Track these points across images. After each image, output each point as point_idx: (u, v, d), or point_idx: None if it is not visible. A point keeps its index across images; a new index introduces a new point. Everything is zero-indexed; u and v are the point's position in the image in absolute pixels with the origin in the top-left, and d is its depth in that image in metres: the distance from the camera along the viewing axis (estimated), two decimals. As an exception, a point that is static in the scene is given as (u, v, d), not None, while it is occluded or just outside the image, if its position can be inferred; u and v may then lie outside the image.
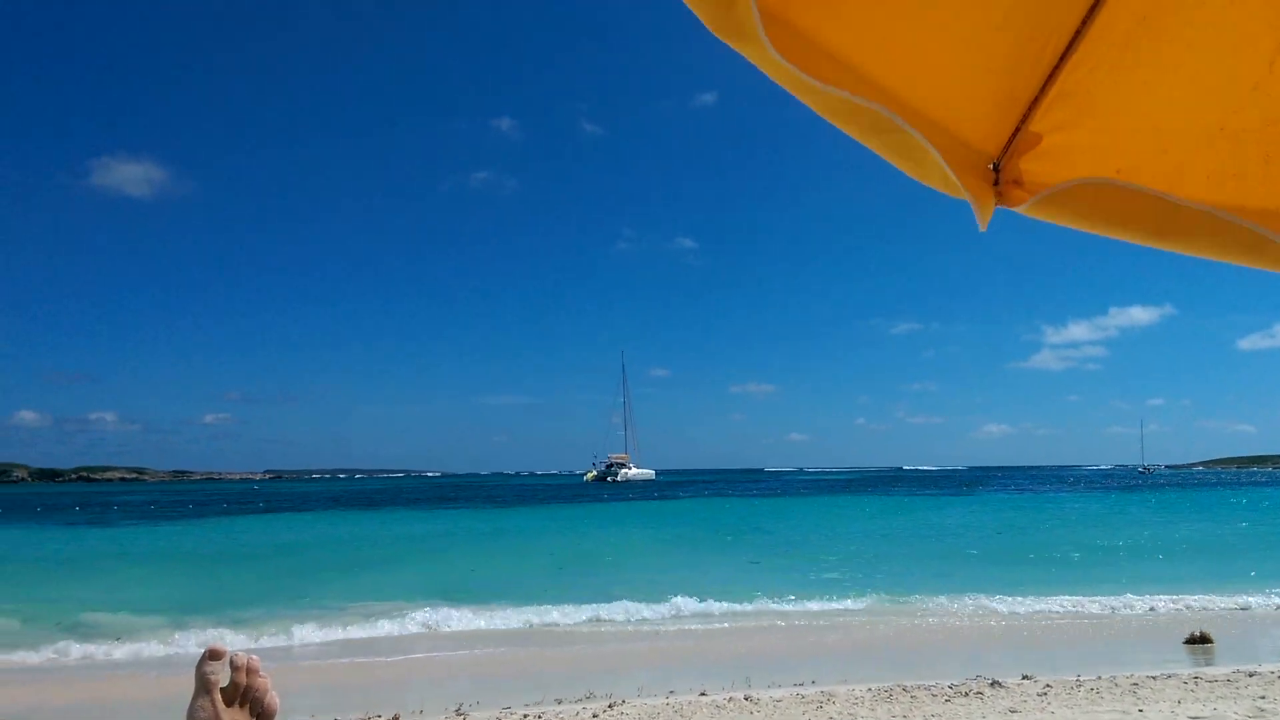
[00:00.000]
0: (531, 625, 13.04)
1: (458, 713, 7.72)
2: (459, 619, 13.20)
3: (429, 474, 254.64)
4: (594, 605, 13.94)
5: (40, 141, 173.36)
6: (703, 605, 14.21)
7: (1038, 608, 14.37)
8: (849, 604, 14.75)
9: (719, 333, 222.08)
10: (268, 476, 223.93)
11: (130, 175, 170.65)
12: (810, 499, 60.67)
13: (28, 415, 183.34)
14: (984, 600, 14.96)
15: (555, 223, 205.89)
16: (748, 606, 14.38)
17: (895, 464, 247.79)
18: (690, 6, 1.08)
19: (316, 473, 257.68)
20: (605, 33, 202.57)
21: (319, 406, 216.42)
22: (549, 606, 13.89)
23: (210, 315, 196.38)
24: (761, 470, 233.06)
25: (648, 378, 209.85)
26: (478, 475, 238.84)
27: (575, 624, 13.11)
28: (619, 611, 13.65)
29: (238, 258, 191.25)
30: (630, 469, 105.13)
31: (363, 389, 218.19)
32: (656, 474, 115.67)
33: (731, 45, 1.15)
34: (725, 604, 14.36)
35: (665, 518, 41.58)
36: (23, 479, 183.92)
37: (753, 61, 1.18)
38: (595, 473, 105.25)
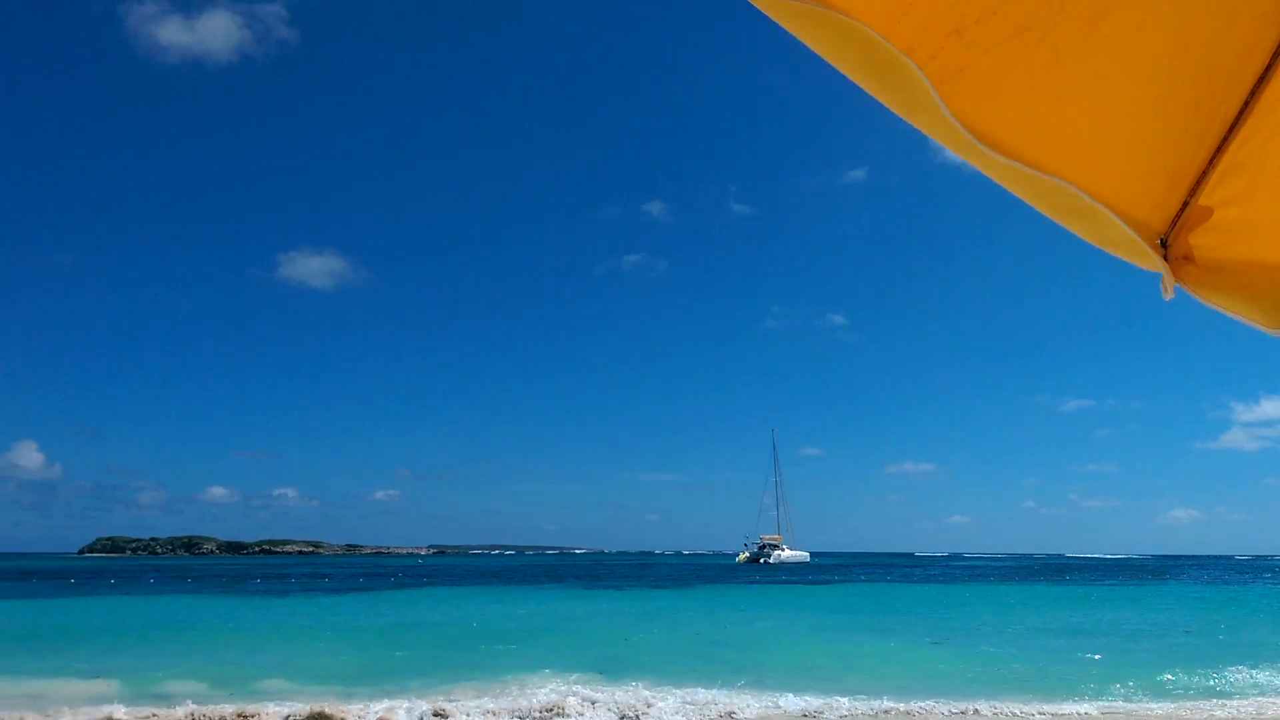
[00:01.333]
0: (690, 706, 12.77)
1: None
2: (616, 696, 13.09)
3: (576, 550, 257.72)
4: (753, 691, 13.57)
5: (235, 239, 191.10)
6: (871, 700, 13.54)
7: (1244, 710, 12.95)
8: (1044, 706, 13.64)
9: (873, 410, 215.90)
10: (431, 551, 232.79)
11: (313, 267, 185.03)
12: (980, 585, 57.17)
13: (218, 491, 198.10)
14: (1199, 702, 13.62)
15: (705, 302, 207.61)
16: (917, 704, 13.59)
17: (1068, 550, 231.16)
18: (864, 87, 1.13)
19: (475, 548, 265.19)
20: (753, 113, 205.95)
21: (480, 484, 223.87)
22: (705, 688, 13.61)
23: (382, 397, 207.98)
24: (911, 554, 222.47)
25: (799, 456, 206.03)
26: (626, 554, 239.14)
27: (735, 707, 12.73)
28: (781, 699, 13.19)
29: (407, 342, 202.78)
30: (784, 551, 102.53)
31: (521, 467, 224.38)
32: (810, 556, 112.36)
33: (907, 120, 1.19)
34: (888, 701, 13.66)
35: (823, 601, 40.19)
36: (212, 551, 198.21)
37: (927, 133, 1.21)
38: (748, 554, 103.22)
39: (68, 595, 45.20)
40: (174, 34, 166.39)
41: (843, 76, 1.15)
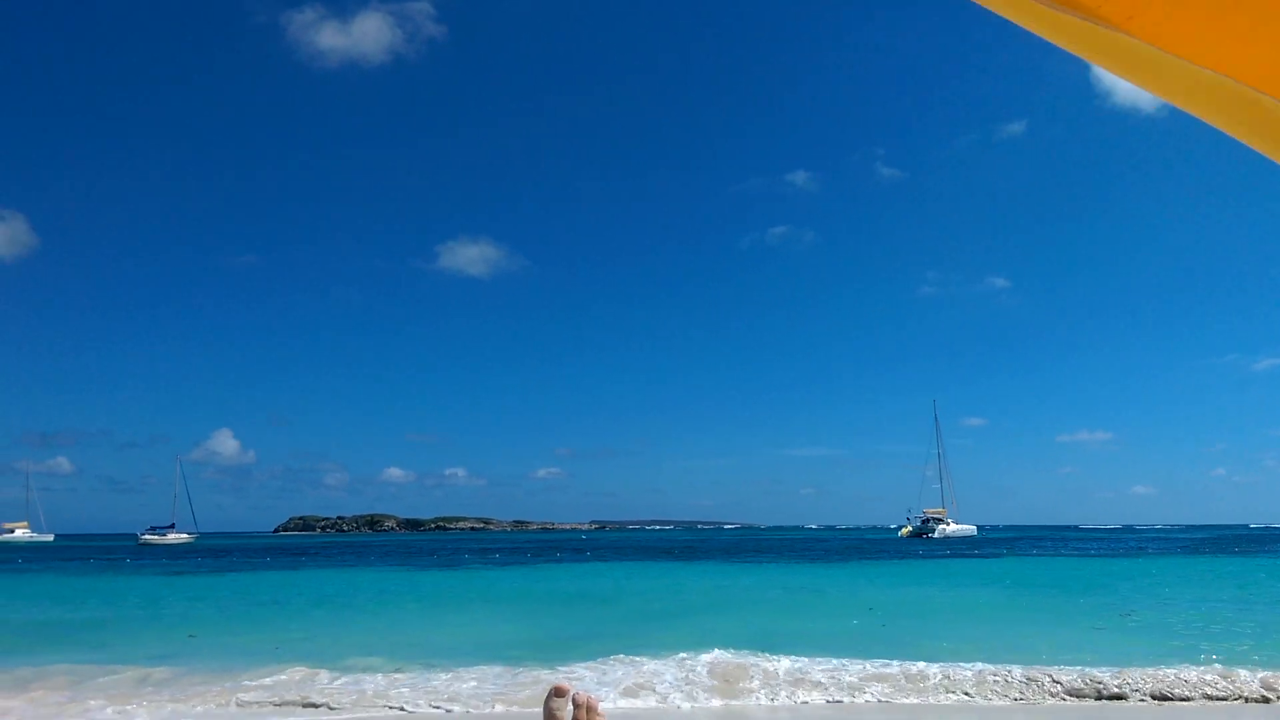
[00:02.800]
0: (868, 676, 12.40)
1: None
2: (786, 669, 12.88)
3: (727, 525, 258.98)
4: (938, 664, 13.07)
5: (398, 232, 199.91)
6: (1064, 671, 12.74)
7: None
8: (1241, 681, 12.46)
9: (1041, 377, 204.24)
10: (593, 526, 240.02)
11: (471, 256, 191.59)
12: (1164, 559, 53.31)
13: (395, 472, 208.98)
14: None
15: (855, 271, 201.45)
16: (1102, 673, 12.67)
17: (1255, 519, 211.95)
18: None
19: (633, 523, 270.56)
20: (899, 70, 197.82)
21: (637, 461, 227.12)
22: (882, 663, 13.22)
23: (540, 379, 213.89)
24: (1075, 527, 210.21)
25: (961, 427, 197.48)
26: (781, 528, 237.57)
27: (911, 678, 12.25)
28: (958, 668, 12.61)
29: (562, 324, 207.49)
30: (949, 524, 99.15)
31: (676, 444, 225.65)
32: (977, 530, 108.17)
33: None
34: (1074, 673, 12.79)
35: (995, 576, 38.50)
36: (392, 528, 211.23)
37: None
38: (911, 528, 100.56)
39: (263, 570, 49.08)
40: (331, 39, 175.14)
41: (996, 22, 1.03)
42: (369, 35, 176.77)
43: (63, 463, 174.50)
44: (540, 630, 19.51)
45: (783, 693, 11.53)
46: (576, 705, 1.17)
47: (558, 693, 1.17)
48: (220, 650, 16.27)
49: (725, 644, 15.04)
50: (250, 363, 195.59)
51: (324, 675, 13.10)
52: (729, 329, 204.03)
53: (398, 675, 13.12)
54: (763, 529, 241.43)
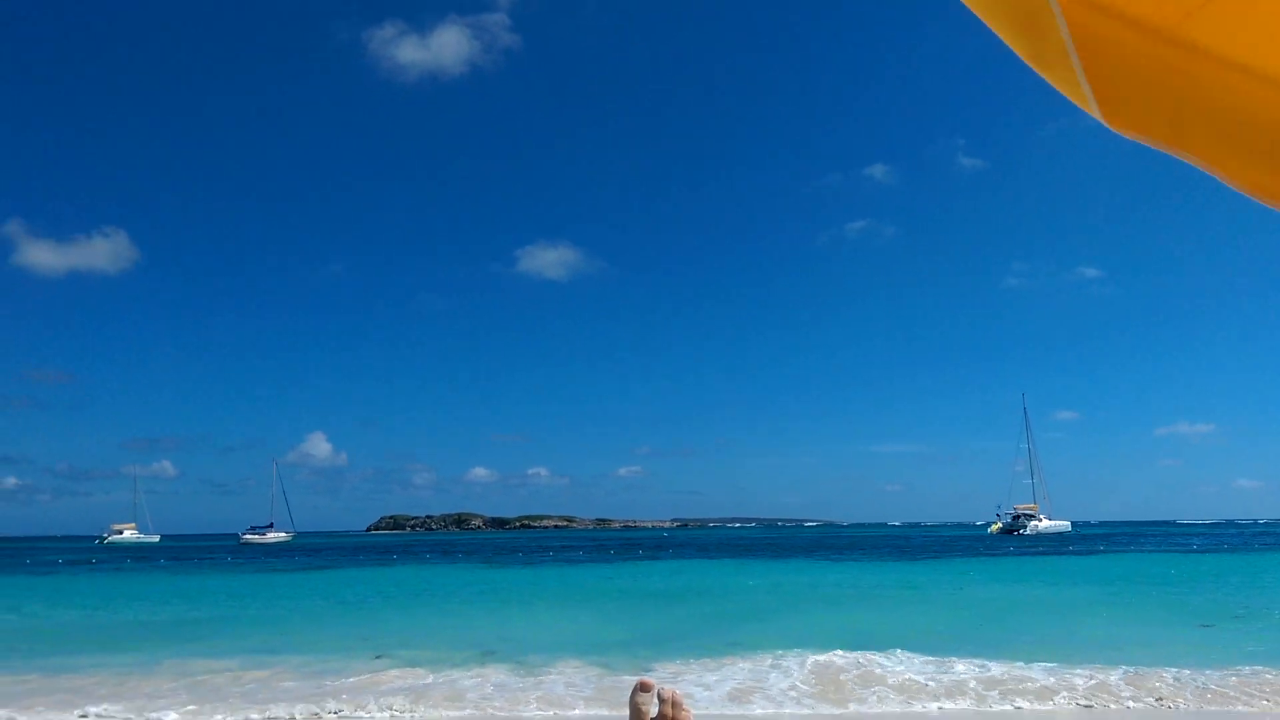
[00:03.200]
0: (978, 680, 12.02)
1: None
2: (890, 671, 12.59)
3: (808, 523, 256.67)
4: (1045, 665, 12.64)
5: (478, 238, 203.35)
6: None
7: None
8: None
9: (1137, 368, 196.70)
10: (675, 524, 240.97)
11: (549, 260, 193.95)
12: (1275, 555, 50.62)
13: (480, 472, 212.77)
14: None
15: (938, 264, 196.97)
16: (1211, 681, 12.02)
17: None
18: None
19: (715, 521, 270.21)
20: (977, 60, 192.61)
21: (718, 459, 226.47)
22: (977, 662, 12.83)
23: (620, 378, 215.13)
24: (1173, 522, 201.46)
25: (1052, 421, 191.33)
26: (863, 525, 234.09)
27: (1017, 680, 11.81)
28: (1070, 677, 12.12)
29: (640, 324, 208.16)
30: (1041, 520, 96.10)
31: (756, 441, 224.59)
32: (1072, 525, 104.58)
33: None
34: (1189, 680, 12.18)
35: (1093, 574, 37.09)
36: (479, 526, 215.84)
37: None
38: (1001, 524, 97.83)
39: (355, 568, 50.42)
40: (411, 53, 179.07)
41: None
42: (448, 48, 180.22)
43: (167, 466, 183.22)
44: (628, 629, 19.51)
45: (893, 698, 11.23)
46: (662, 700, 1.16)
47: (643, 687, 1.17)
48: (314, 646, 16.69)
49: (817, 644, 14.79)
50: (340, 367, 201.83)
51: (415, 673, 13.32)
52: (809, 326, 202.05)
53: (489, 673, 13.26)
54: (844, 526, 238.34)
